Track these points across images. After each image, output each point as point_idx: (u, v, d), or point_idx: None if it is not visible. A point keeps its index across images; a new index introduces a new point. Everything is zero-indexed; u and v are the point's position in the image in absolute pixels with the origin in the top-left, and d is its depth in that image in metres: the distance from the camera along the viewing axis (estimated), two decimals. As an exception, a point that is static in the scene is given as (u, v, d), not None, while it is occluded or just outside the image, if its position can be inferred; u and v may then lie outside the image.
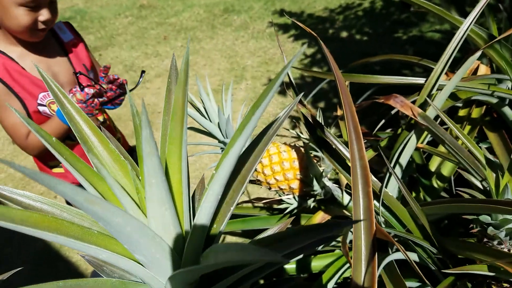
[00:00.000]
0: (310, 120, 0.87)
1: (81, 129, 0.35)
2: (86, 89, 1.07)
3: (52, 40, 1.22)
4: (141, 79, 1.19)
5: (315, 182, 0.98)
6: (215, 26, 4.16)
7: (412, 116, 0.86)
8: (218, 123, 1.02)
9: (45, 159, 1.33)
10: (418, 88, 1.09)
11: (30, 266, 1.95)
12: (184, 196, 0.34)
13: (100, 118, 1.41)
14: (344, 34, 3.81)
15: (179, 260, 0.32)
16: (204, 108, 1.01)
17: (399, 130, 1.08)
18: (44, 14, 1.05)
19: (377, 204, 0.86)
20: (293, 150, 1.02)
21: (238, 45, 3.79)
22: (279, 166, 0.99)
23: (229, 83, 3.22)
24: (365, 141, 1.34)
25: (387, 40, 3.65)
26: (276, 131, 0.36)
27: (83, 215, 0.35)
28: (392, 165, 0.94)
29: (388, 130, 1.55)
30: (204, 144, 1.06)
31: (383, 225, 0.94)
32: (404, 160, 0.99)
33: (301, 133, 1.11)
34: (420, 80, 1.07)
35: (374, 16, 4.11)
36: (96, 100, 1.10)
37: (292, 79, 1.07)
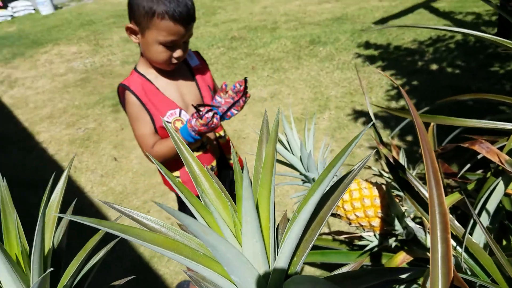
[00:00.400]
0: (392, 161, 0.90)
1: (194, 170, 0.43)
2: (206, 115, 1.20)
3: (183, 65, 1.42)
4: (247, 87, 1.29)
5: (396, 222, 0.99)
6: (301, 57, 4.28)
7: (499, 163, 0.85)
8: (300, 157, 1.08)
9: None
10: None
11: (127, 274, 2.14)
12: (271, 231, 0.40)
13: (221, 132, 1.55)
14: (434, 66, 3.71)
15: (265, 285, 0.38)
16: (287, 141, 1.07)
17: (488, 174, 1.05)
18: (177, 52, 1.26)
19: (459, 249, 0.85)
20: (375, 187, 1.04)
21: (322, 75, 3.86)
22: (360, 202, 1.02)
23: (312, 113, 3.28)
24: (452, 181, 1.31)
25: (481, 74, 3.48)
26: (351, 181, 0.41)
27: (190, 238, 0.43)
28: (478, 210, 0.93)
29: (479, 172, 1.49)
30: (286, 175, 1.12)
31: (469, 272, 0.92)
32: (491, 206, 0.96)
33: (383, 170, 1.13)
34: (509, 126, 1.04)
35: (467, 49, 3.95)
36: (215, 120, 1.22)
37: (373, 117, 1.10)
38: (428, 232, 1.00)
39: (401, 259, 1.03)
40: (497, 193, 0.91)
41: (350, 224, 1.07)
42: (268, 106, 3.51)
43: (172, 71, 1.36)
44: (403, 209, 1.02)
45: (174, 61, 1.28)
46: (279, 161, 1.12)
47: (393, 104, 3.26)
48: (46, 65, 5.13)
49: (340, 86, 3.63)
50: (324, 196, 0.40)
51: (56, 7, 7.82)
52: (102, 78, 4.53)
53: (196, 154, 1.45)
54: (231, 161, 1.62)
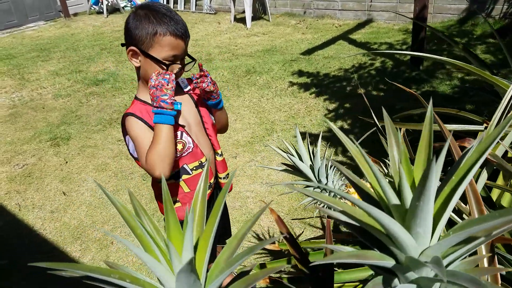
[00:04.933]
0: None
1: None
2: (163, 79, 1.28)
3: (181, 90, 1.48)
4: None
5: None
6: (240, 85, 4.48)
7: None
8: (311, 165, 1.21)
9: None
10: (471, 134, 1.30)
11: None
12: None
13: (219, 151, 1.58)
14: (361, 90, 4.12)
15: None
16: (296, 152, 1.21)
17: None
18: (176, 68, 1.33)
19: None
20: None
21: (264, 101, 4.08)
22: None
23: (262, 136, 3.45)
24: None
25: (403, 96, 3.95)
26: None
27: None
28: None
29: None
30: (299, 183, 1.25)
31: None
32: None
33: None
34: (477, 127, 1.29)
35: (386, 74, 4.45)
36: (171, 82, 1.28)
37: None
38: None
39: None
40: (482, 179, 1.13)
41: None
42: (217, 132, 3.63)
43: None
44: None
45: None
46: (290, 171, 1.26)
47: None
48: (-36, 103, 4.73)
49: (282, 111, 3.87)
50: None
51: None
52: (34, 113, 4.31)
53: (195, 172, 1.48)
54: (222, 181, 1.66)
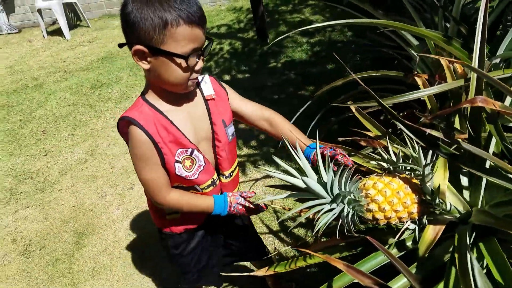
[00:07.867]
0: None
1: None
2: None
3: (196, 91, 1.22)
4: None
5: (436, 198, 1.03)
6: (93, 104, 3.89)
7: (495, 108, 1.03)
8: (320, 181, 1.00)
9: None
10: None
11: None
12: None
13: (231, 169, 1.36)
14: (226, 76, 4.00)
15: None
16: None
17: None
18: (198, 64, 1.07)
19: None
20: (396, 177, 1.04)
21: (131, 115, 3.63)
22: (395, 197, 1.00)
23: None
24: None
25: (265, 71, 3.96)
26: None
27: None
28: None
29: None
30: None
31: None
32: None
33: (384, 162, 1.13)
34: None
35: (240, 55, 4.40)
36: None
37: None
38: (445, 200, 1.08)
39: (432, 232, 1.06)
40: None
41: (387, 224, 1.04)
42: (94, 164, 3.08)
43: (185, 99, 1.18)
44: (428, 186, 1.05)
45: (194, 76, 1.09)
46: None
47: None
48: None
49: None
50: None
51: None
52: None
53: (206, 191, 1.28)
54: None
